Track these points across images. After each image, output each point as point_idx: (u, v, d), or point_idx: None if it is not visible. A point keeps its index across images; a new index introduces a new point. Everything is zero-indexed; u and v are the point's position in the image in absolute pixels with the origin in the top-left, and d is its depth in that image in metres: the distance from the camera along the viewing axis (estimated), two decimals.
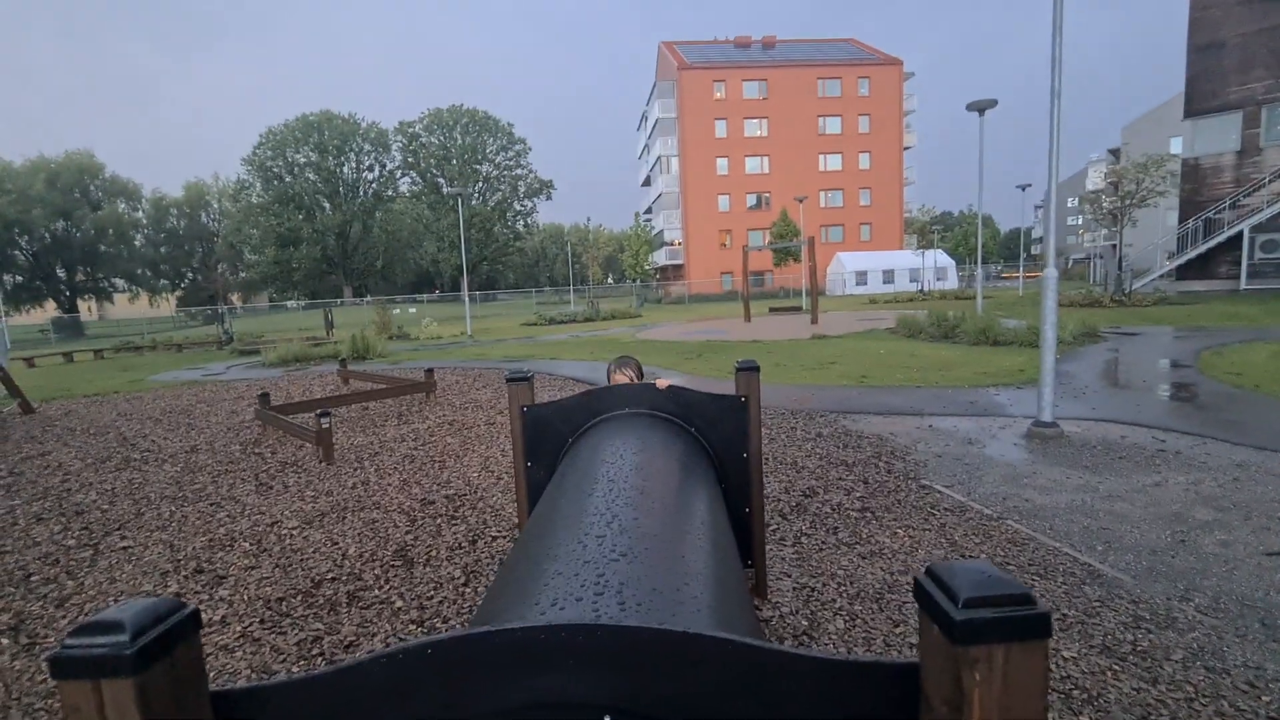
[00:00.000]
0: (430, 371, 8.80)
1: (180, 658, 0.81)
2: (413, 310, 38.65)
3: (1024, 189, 30.75)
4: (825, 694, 0.81)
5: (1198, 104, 23.51)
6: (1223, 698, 2.15)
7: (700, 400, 2.61)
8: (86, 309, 57.82)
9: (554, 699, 0.83)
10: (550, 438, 2.58)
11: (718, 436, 2.59)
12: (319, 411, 5.82)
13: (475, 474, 5.12)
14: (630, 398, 2.63)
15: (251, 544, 3.91)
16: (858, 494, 4.22)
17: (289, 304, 56.04)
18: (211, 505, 4.71)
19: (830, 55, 54.52)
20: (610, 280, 65.22)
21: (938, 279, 45.81)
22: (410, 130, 60.03)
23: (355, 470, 5.42)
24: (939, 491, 4.20)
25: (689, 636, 0.81)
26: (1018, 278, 47.63)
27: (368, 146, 57.58)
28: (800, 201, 33.33)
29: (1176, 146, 29.79)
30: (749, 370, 2.73)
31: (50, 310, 54.17)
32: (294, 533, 4.05)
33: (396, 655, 0.84)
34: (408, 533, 3.94)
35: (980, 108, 13.71)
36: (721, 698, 0.82)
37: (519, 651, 0.84)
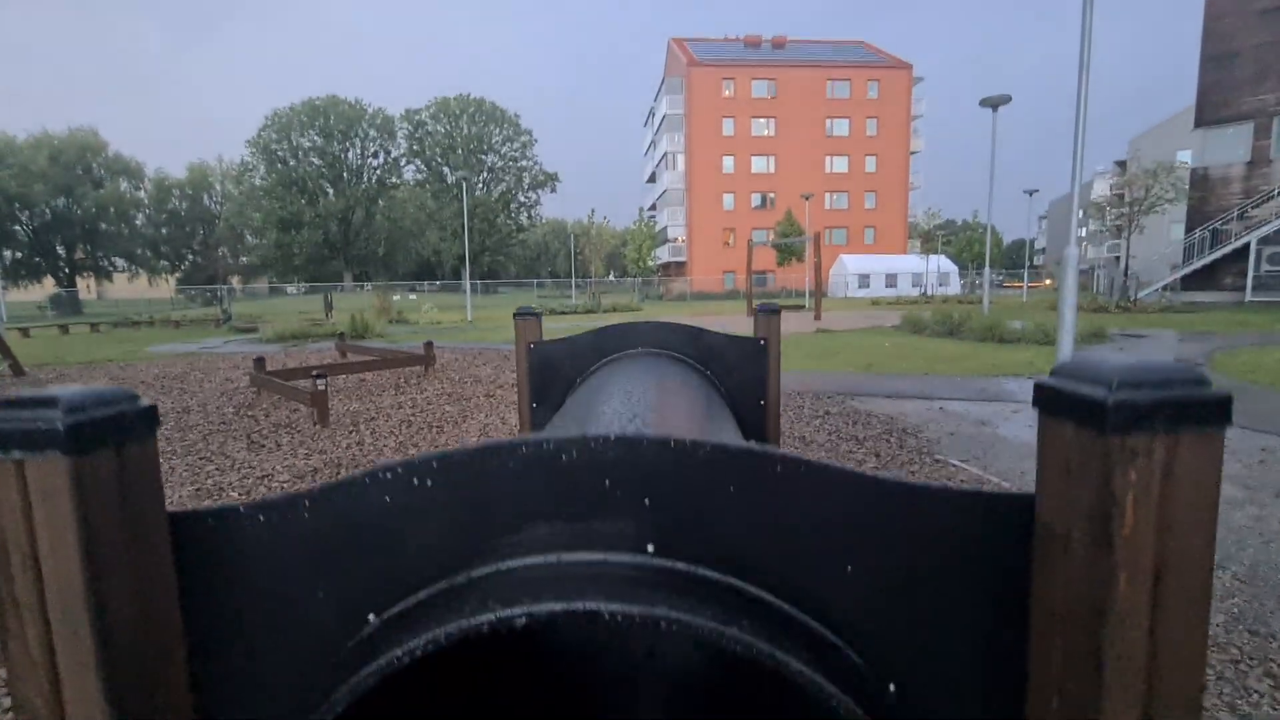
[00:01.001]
0: (430, 344, 8.65)
1: (130, 457, 0.66)
2: (413, 297, 38.51)
3: (1031, 194, 30.67)
4: (907, 525, 0.67)
5: (1209, 114, 23.41)
6: (1271, 660, 2.02)
7: (717, 341, 2.48)
8: (85, 287, 57.56)
9: (586, 526, 0.69)
10: (558, 378, 2.45)
11: (734, 382, 2.46)
12: (315, 373, 5.67)
13: (473, 439, 4.97)
14: (643, 336, 2.50)
15: (240, 494, 3.76)
16: (870, 465, 4.08)
17: (289, 289, 55.91)
18: (200, 459, 4.56)
19: (840, 57, 54.42)
20: (612, 277, 65.09)
21: (940, 284, 45.72)
22: (416, 118, 59.86)
23: (350, 433, 5.27)
24: (954, 465, 4.06)
25: (752, 452, 0.67)
26: (1021, 287, 47.63)
27: (373, 133, 57.41)
28: (806, 199, 33.23)
29: (1184, 160, 29.77)
30: (770, 312, 2.60)
31: (49, 287, 53.93)
32: (285, 486, 3.91)
33: (395, 469, 0.70)
34: None
35: (994, 104, 13.57)
36: (784, 527, 0.68)
37: (548, 467, 0.70)
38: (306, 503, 0.71)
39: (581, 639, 1.26)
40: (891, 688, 0.67)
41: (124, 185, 58.16)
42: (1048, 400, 0.63)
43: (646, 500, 0.69)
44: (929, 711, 0.66)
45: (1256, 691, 1.88)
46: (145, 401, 0.69)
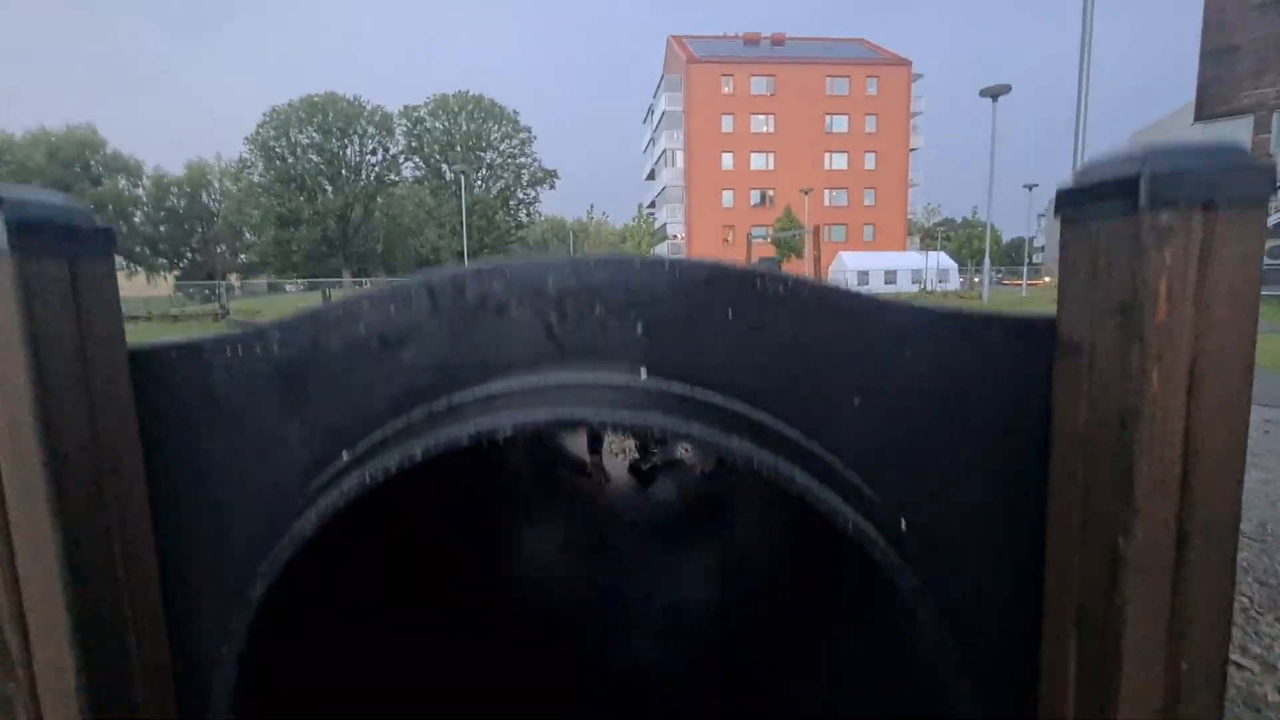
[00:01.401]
0: None
1: (84, 274, 0.62)
2: None
3: (1031, 189, 30.65)
4: (919, 351, 0.62)
5: (1209, 108, 23.34)
6: None
7: None
8: None
9: (576, 351, 0.65)
10: None
11: None
12: None
13: None
14: None
15: None
16: None
17: (288, 286, 55.83)
18: None
19: (839, 54, 54.40)
20: None
21: (939, 280, 45.68)
22: (415, 114, 59.79)
23: None
24: None
25: (753, 273, 0.63)
26: (1020, 284, 47.63)
27: (371, 129, 57.30)
28: (806, 194, 33.19)
29: None
30: (771, 266, 2.55)
31: None
32: None
33: (372, 297, 0.65)
34: None
35: (994, 93, 13.53)
36: (789, 352, 0.64)
37: (535, 291, 0.65)
38: (278, 334, 0.66)
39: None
40: (904, 524, 0.62)
41: (122, 183, 58.14)
42: (1071, 200, 0.58)
43: (640, 324, 0.65)
44: (942, 548, 0.61)
45: (1269, 635, 1.86)
46: (101, 221, 0.64)
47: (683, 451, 4.04)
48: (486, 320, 0.63)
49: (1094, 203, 0.56)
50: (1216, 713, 0.60)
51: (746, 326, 0.62)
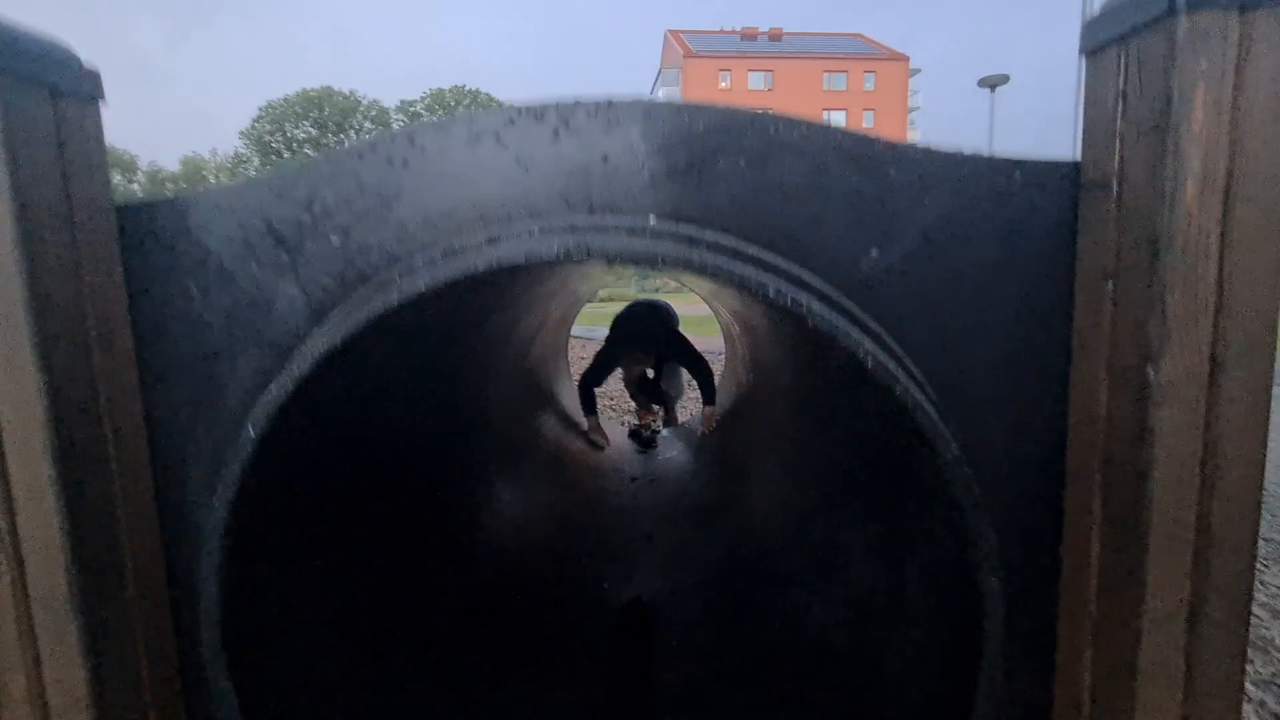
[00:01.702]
0: None
1: (68, 117, 0.59)
2: None
3: None
4: (938, 197, 0.60)
5: None
6: None
7: None
8: None
9: (582, 197, 0.62)
10: None
11: None
12: None
13: None
14: None
15: None
16: None
17: None
18: None
19: (837, 49, 54.42)
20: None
21: None
22: (412, 109, 59.59)
23: None
24: None
25: (765, 116, 0.60)
26: None
27: (368, 124, 57.19)
28: None
29: None
30: None
31: None
32: None
33: (370, 147, 0.63)
34: None
35: (992, 84, 13.51)
36: (805, 198, 0.62)
37: (539, 139, 0.63)
38: (272, 186, 0.64)
39: None
40: (922, 383, 0.60)
41: (117, 178, 57.88)
42: (1097, 28, 0.55)
43: (648, 171, 0.62)
44: (964, 393, 0.59)
45: (1274, 585, 1.85)
46: (88, 65, 0.62)
47: (680, 420, 4.01)
48: (489, 171, 0.60)
49: (1125, 18, 0.54)
50: (1250, 557, 0.58)
51: (760, 173, 0.60)
